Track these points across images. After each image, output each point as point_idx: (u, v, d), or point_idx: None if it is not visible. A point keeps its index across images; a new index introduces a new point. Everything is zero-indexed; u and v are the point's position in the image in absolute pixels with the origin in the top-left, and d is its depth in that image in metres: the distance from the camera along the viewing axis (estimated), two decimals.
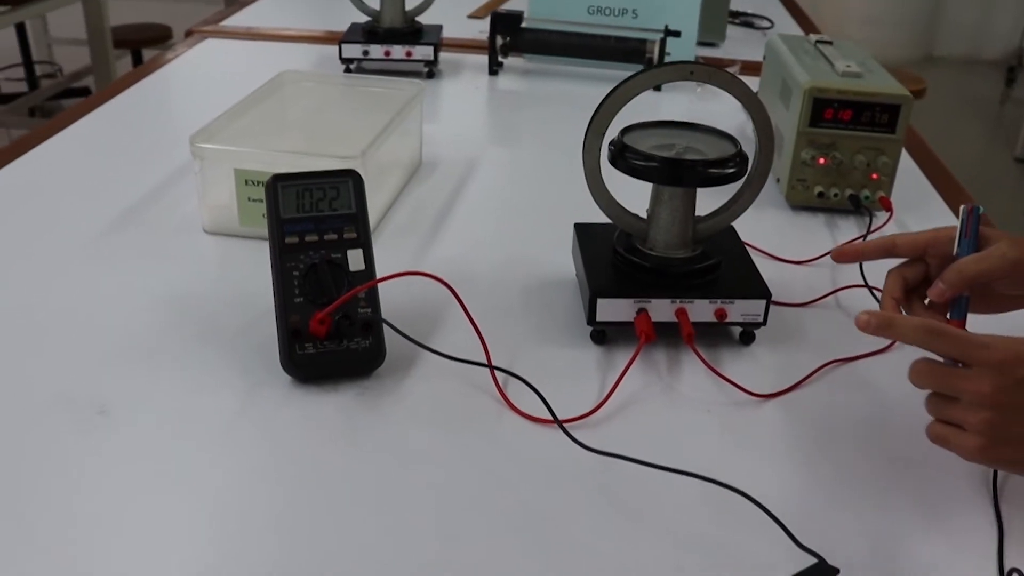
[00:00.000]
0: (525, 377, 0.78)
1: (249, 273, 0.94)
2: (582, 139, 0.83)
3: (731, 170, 0.82)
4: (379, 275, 0.80)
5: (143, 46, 3.81)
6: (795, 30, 2.08)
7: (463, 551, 0.62)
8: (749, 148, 0.84)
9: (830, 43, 1.24)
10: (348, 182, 0.82)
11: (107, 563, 0.59)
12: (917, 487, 0.70)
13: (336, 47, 1.57)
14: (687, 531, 0.65)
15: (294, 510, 0.65)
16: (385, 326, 0.79)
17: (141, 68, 1.59)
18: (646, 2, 1.68)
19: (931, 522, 0.67)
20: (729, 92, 0.82)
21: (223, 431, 0.72)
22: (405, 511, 0.65)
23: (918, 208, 1.17)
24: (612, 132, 0.84)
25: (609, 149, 0.84)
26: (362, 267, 0.80)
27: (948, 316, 0.74)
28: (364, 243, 0.81)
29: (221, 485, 0.67)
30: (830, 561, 0.61)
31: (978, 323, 0.72)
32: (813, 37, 1.26)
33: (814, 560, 0.61)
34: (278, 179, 0.81)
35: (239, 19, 1.91)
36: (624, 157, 0.82)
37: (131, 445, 0.70)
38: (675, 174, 0.82)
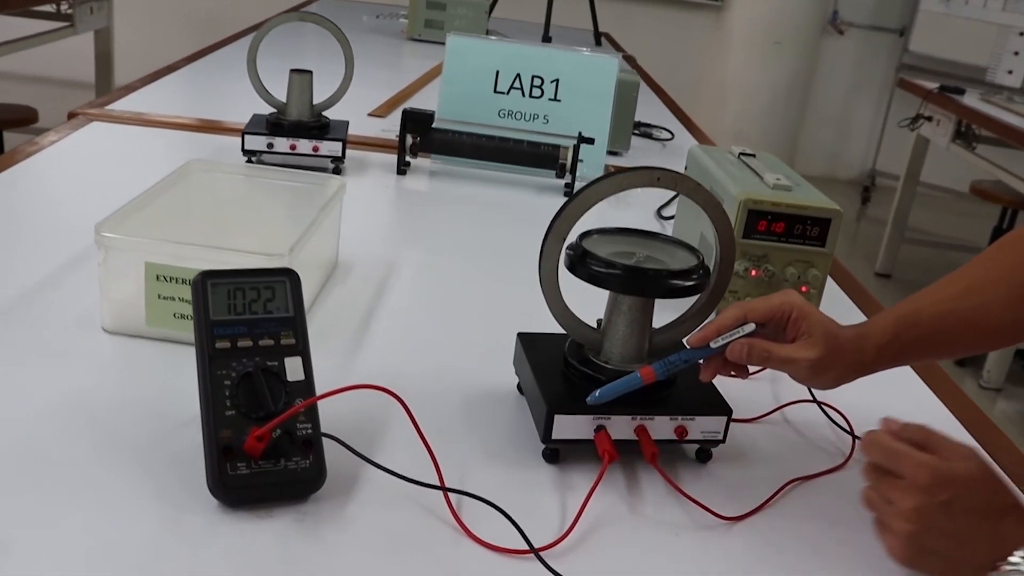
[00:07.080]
0: (474, 501, 0.71)
1: (157, 379, 0.85)
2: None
3: (693, 282, 0.79)
4: (317, 385, 0.73)
5: (6, 128, 3.61)
6: (691, 141, 2.12)
7: None
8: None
9: (753, 155, 1.25)
10: (285, 282, 0.75)
11: None
12: None
13: (234, 137, 1.51)
14: None
15: None
16: (325, 441, 0.71)
17: (23, 146, 1.47)
18: (557, 108, 1.67)
19: None
20: (693, 199, 0.79)
21: (141, 568, 0.62)
22: None
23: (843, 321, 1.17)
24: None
25: (567, 254, 0.79)
26: (301, 377, 0.72)
27: (653, 365, 0.77)
28: (303, 350, 0.73)
29: None
30: None
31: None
32: (736, 149, 1.27)
33: None
34: (207, 276, 0.73)
35: (127, 103, 1.81)
36: (584, 263, 0.78)
37: None
38: (637, 283, 0.78)
